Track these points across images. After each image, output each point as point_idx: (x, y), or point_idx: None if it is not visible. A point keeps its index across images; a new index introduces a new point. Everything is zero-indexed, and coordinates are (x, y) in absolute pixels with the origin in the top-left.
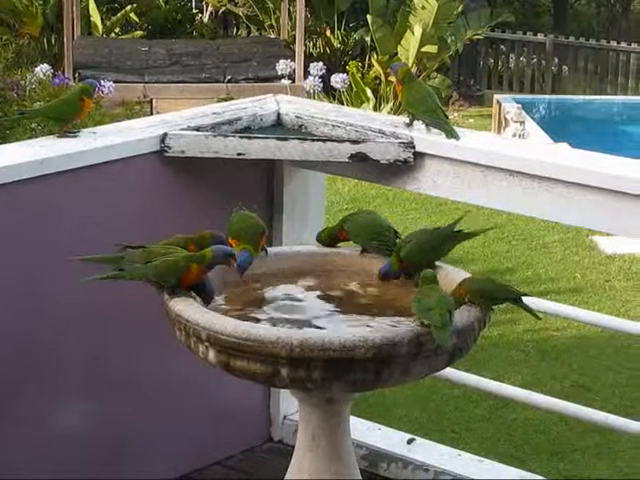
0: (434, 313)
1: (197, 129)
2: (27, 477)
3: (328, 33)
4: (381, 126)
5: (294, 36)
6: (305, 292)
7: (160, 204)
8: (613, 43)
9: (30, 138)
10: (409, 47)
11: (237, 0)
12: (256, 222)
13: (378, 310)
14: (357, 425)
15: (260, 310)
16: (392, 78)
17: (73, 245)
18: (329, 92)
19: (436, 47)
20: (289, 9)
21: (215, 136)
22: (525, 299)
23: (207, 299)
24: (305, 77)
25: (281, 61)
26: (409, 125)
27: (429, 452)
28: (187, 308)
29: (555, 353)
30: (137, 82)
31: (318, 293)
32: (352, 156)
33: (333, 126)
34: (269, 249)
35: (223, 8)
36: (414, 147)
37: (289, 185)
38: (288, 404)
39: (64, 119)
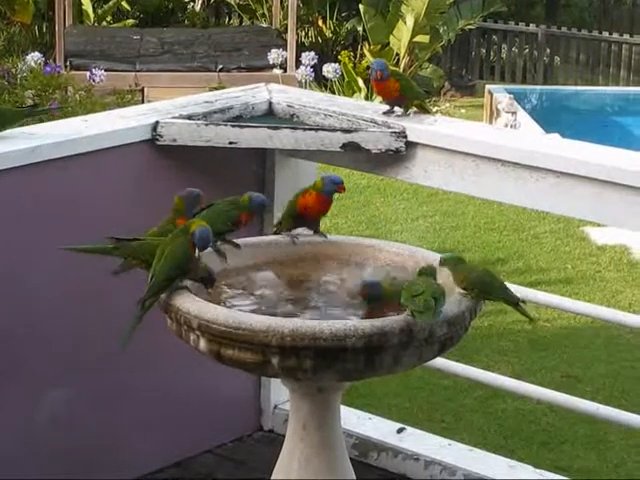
0: (418, 299)
1: (189, 117)
2: (16, 465)
3: (320, 22)
4: (373, 115)
5: (286, 25)
6: (292, 280)
7: (152, 192)
8: (605, 34)
9: (21, 126)
10: (401, 37)
11: None
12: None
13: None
14: (347, 414)
15: (250, 299)
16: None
17: (64, 234)
18: (321, 82)
19: (428, 37)
20: None
21: (207, 125)
22: (515, 288)
23: (210, 283)
24: (297, 66)
25: (273, 50)
26: (405, 114)
27: (419, 441)
28: (178, 297)
29: (545, 343)
30: (129, 71)
31: (307, 281)
32: (344, 145)
33: (325, 115)
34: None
35: None
36: (406, 137)
37: (280, 174)
38: (279, 393)
39: None
